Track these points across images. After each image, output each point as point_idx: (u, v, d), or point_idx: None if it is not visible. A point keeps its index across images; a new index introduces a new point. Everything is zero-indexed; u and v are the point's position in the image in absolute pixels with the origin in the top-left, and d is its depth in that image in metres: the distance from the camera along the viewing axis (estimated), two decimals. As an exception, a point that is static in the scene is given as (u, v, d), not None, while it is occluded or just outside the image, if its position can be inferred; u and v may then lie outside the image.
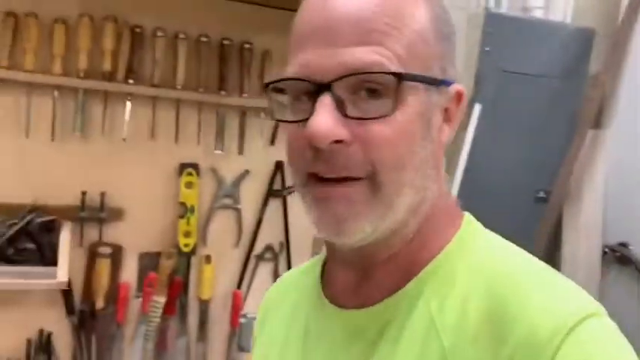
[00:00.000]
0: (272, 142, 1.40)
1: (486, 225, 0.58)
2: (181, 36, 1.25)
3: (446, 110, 0.55)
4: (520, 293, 0.49)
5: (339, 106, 0.50)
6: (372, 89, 0.50)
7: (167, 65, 1.26)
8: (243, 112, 1.35)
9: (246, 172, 1.39)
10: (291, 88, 0.52)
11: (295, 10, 0.53)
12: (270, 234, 1.44)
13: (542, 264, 0.52)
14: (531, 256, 0.53)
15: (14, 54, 1.17)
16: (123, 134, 1.23)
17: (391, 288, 0.54)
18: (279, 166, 1.44)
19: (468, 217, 0.58)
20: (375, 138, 0.50)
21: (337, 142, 0.49)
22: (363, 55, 0.49)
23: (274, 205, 1.44)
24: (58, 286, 1.17)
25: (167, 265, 1.31)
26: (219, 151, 1.34)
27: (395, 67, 0.50)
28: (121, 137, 1.23)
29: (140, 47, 1.23)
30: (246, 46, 1.31)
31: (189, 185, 1.33)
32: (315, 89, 0.50)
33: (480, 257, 0.53)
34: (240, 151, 1.36)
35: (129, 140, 1.24)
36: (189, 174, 1.32)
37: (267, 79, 0.52)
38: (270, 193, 1.43)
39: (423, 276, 0.54)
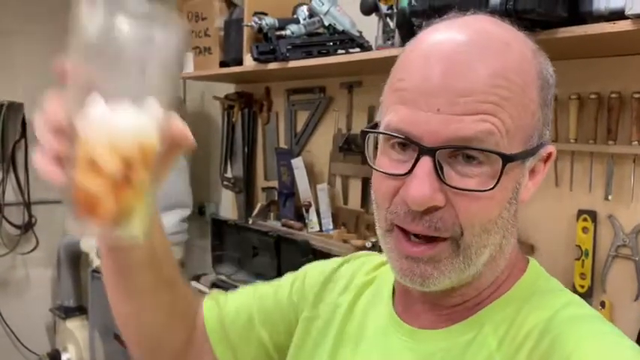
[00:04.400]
0: (673, 192, 1.26)
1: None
2: (573, 97, 1.40)
3: (533, 168, 0.58)
4: (574, 337, 0.52)
5: (438, 171, 0.51)
6: (471, 156, 0.51)
7: (562, 123, 1.43)
8: (634, 161, 1.31)
9: (646, 223, 1.31)
10: (388, 136, 0.54)
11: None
12: (673, 294, 1.27)
13: (597, 313, 0.58)
14: (586, 303, 0.59)
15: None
16: (527, 182, 1.50)
17: (455, 319, 0.60)
18: (684, 219, 1.25)
19: (532, 262, 0.64)
20: (468, 206, 0.52)
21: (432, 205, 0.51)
22: (475, 125, 0.50)
23: (678, 263, 1.26)
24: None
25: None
26: (611, 200, 1.35)
27: (502, 141, 0.51)
28: (526, 185, 1.51)
29: (538, 111, 1.47)
30: (636, 95, 1.29)
31: (585, 230, 1.41)
32: (418, 150, 0.51)
33: (540, 301, 0.58)
34: (637, 201, 1.31)
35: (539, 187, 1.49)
36: (585, 219, 1.41)
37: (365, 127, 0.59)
38: (674, 249, 1.27)
39: (487, 312, 0.59)
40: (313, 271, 0.78)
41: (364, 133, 0.58)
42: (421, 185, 0.50)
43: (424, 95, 0.51)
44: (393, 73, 0.57)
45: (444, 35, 0.55)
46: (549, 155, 0.58)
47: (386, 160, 0.55)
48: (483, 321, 0.58)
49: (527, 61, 0.54)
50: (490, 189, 0.51)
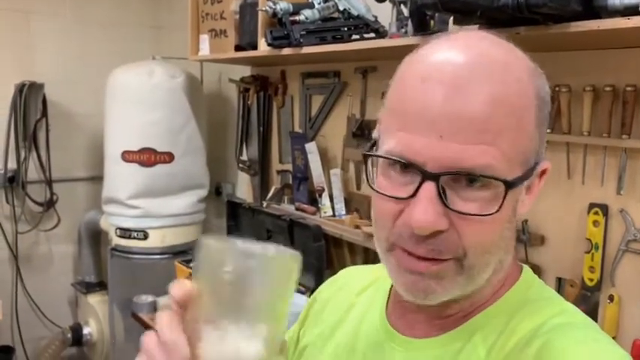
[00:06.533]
0: (686, 189, 1.24)
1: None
2: (587, 89, 1.37)
3: (529, 185, 0.58)
4: (563, 343, 0.53)
5: (442, 195, 0.51)
6: (474, 179, 0.52)
7: (575, 115, 1.41)
8: (647, 157, 1.29)
9: (657, 218, 1.30)
10: (391, 160, 0.54)
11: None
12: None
13: (588, 319, 0.58)
14: (578, 309, 0.59)
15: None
16: (539, 174, 1.49)
17: (448, 327, 0.61)
18: (696, 216, 1.24)
19: (525, 270, 0.64)
20: (471, 230, 0.53)
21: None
22: (476, 156, 0.50)
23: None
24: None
25: (570, 292, 1.45)
26: (623, 195, 1.34)
27: (503, 169, 0.51)
28: (538, 176, 1.50)
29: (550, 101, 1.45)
30: (653, 88, 1.26)
31: (595, 224, 1.41)
32: (421, 176, 0.51)
33: (531, 310, 0.58)
34: (649, 197, 1.30)
35: (548, 180, 1.48)
36: (596, 213, 1.40)
37: (365, 150, 0.58)
38: (684, 246, 1.25)
39: (477, 320, 0.60)
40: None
41: (366, 157, 0.58)
42: (425, 210, 0.51)
43: (426, 121, 0.51)
44: (391, 94, 0.57)
45: (444, 56, 0.54)
46: (544, 171, 0.59)
47: (386, 182, 0.55)
48: (474, 329, 0.59)
49: (525, 83, 0.54)
50: (494, 213, 0.51)
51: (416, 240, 0.53)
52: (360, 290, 0.75)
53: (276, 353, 0.51)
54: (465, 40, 0.56)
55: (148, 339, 0.51)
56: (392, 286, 0.68)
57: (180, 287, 0.50)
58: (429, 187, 0.51)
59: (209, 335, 0.49)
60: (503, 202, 0.52)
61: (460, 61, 0.53)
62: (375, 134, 0.60)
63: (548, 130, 1.40)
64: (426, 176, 0.51)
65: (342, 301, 0.75)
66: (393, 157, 0.53)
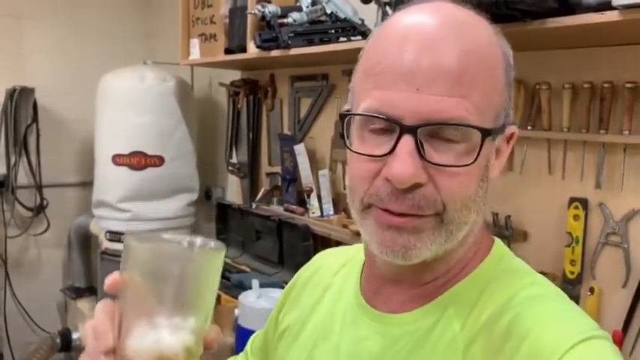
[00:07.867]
0: (662, 181, 1.28)
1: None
2: (566, 86, 1.41)
3: (498, 148, 0.60)
4: (533, 315, 0.54)
5: (420, 149, 0.52)
6: (448, 137, 0.53)
7: (555, 111, 1.45)
8: (624, 150, 1.32)
9: (635, 211, 1.33)
10: (366, 120, 0.55)
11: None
12: (660, 281, 1.29)
13: (558, 290, 0.59)
14: (548, 281, 0.60)
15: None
16: (520, 170, 1.52)
17: (424, 299, 0.62)
18: (671, 208, 1.27)
19: (497, 242, 0.65)
20: (449, 182, 0.53)
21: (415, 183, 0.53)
22: (452, 108, 0.52)
23: (665, 250, 1.28)
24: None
25: (552, 285, 1.48)
26: (602, 189, 1.37)
27: (476, 121, 0.53)
28: (519, 172, 1.53)
29: (531, 99, 1.49)
30: (628, 85, 1.30)
31: (576, 218, 1.44)
32: (399, 130, 0.52)
33: (503, 282, 0.59)
34: (627, 190, 1.33)
35: (529, 176, 1.52)
36: (576, 207, 1.43)
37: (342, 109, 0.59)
38: (661, 237, 1.29)
39: (452, 294, 0.61)
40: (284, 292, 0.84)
41: (343, 116, 0.58)
42: (404, 163, 0.51)
43: (402, 75, 0.52)
44: (365, 59, 0.59)
45: (415, 19, 0.57)
46: (512, 135, 0.61)
47: (362, 144, 0.56)
48: (447, 304, 0.60)
49: (494, 42, 0.57)
50: (470, 163, 0.53)
51: (396, 196, 0.53)
52: (335, 270, 0.76)
53: (201, 343, 0.53)
54: (432, 6, 0.59)
55: (87, 325, 0.54)
56: (365, 262, 0.69)
57: (110, 280, 0.52)
58: (408, 140, 0.51)
59: (139, 326, 0.51)
60: (479, 151, 0.52)
61: (431, 22, 0.55)
62: (348, 102, 0.61)
63: (529, 127, 1.45)
64: (404, 130, 0.51)
65: (319, 282, 0.76)
66: (372, 114, 0.54)
